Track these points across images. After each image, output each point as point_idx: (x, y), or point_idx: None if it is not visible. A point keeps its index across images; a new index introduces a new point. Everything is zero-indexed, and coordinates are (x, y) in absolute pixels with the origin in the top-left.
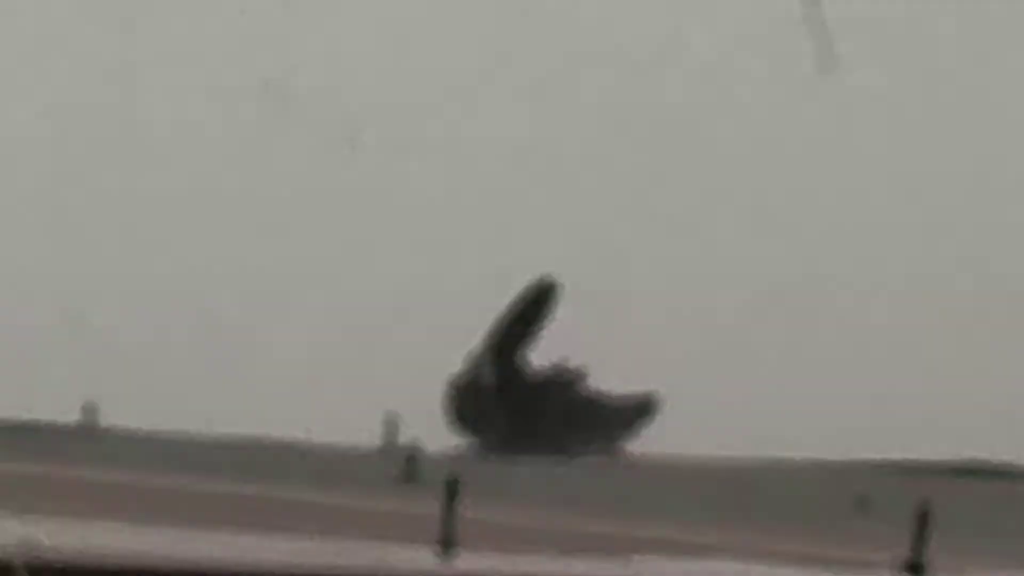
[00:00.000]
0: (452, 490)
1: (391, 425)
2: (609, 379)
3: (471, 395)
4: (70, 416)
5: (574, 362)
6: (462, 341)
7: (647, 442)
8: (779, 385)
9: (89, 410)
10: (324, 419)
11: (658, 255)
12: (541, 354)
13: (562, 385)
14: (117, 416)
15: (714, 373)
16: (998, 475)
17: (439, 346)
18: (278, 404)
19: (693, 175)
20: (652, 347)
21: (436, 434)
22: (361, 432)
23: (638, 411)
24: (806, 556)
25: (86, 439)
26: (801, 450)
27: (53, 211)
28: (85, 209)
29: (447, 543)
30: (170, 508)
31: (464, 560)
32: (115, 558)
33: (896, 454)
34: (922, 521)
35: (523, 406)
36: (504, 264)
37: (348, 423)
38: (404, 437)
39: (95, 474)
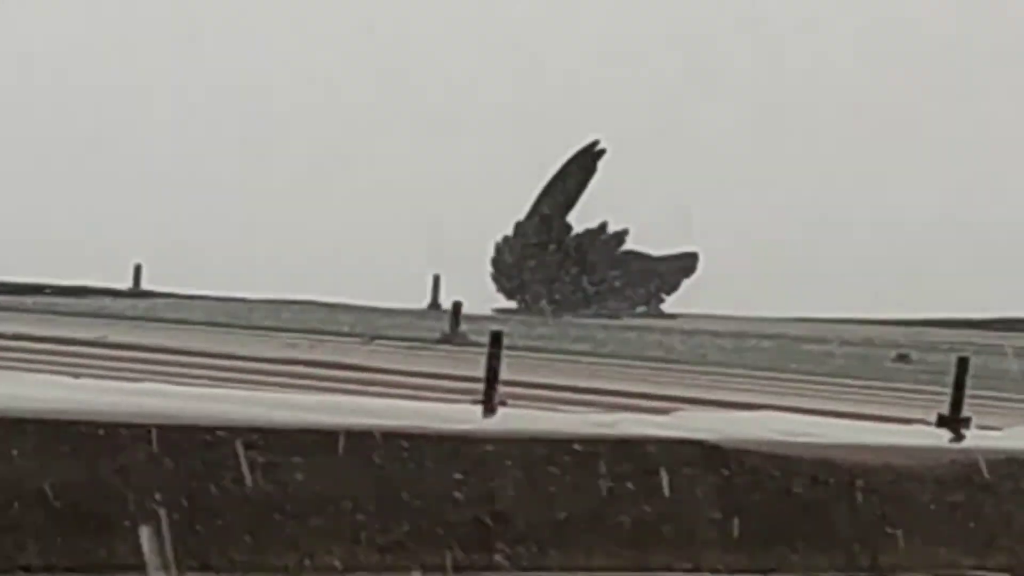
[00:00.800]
0: (496, 347)
1: (436, 287)
2: (648, 242)
3: (516, 256)
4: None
5: (615, 225)
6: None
7: (689, 300)
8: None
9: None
10: (373, 283)
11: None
12: (583, 217)
13: (605, 244)
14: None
15: (753, 235)
16: None
17: (487, 212)
18: (325, 270)
19: None
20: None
21: (481, 296)
22: (409, 295)
23: (681, 270)
24: (846, 410)
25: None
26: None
27: None
28: None
29: (491, 401)
30: (215, 368)
31: (508, 418)
32: (168, 418)
33: (936, 313)
34: (961, 374)
35: (567, 266)
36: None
37: (397, 286)
38: (449, 299)
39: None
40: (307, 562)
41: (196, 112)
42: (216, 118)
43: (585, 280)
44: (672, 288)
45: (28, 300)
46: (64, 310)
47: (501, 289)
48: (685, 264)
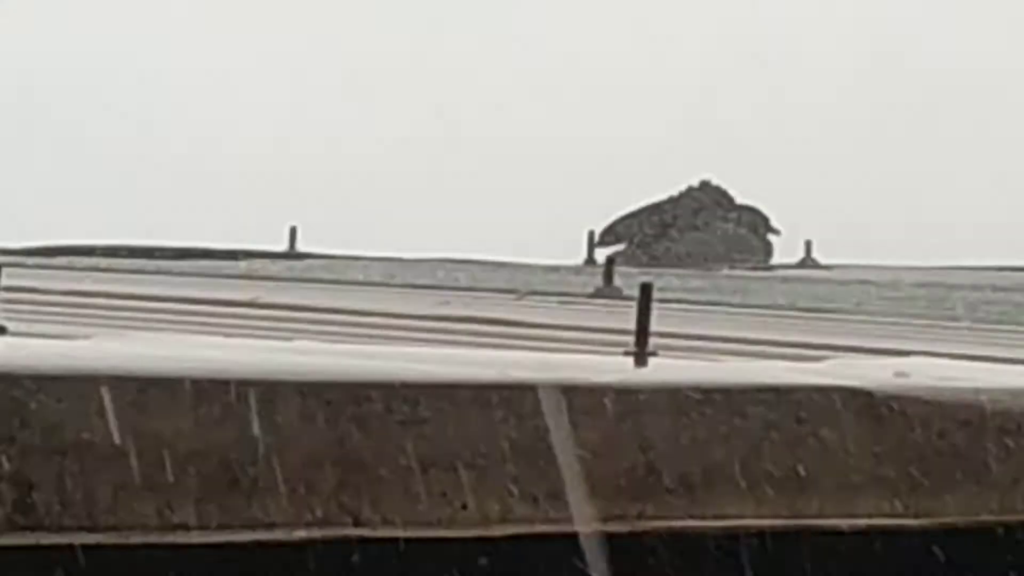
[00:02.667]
0: (646, 299)
1: (591, 244)
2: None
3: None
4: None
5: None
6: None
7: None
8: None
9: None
10: (528, 241)
11: None
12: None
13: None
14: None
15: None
16: None
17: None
18: (481, 229)
19: None
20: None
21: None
22: (564, 252)
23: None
24: (1001, 355)
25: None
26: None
27: None
28: None
29: (642, 351)
30: (369, 326)
31: (660, 368)
32: (321, 375)
33: None
34: None
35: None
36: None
37: (551, 245)
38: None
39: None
40: (460, 515)
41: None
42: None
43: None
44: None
45: (184, 264)
46: (219, 272)
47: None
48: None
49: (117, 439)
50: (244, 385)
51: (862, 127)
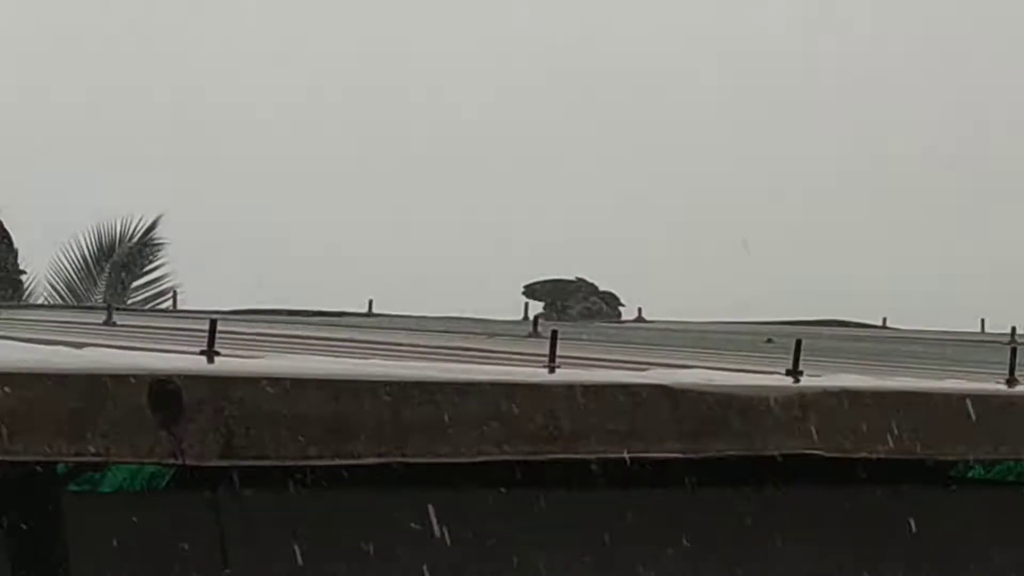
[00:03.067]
0: (554, 338)
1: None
2: None
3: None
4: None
5: None
6: None
7: None
8: None
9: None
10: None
11: None
12: None
13: None
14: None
15: None
16: None
17: None
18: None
19: None
20: None
21: None
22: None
23: None
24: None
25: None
26: None
27: None
28: None
29: (552, 366)
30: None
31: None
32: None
33: None
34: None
35: None
36: None
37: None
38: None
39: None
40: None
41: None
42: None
43: None
44: None
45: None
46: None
47: None
48: None
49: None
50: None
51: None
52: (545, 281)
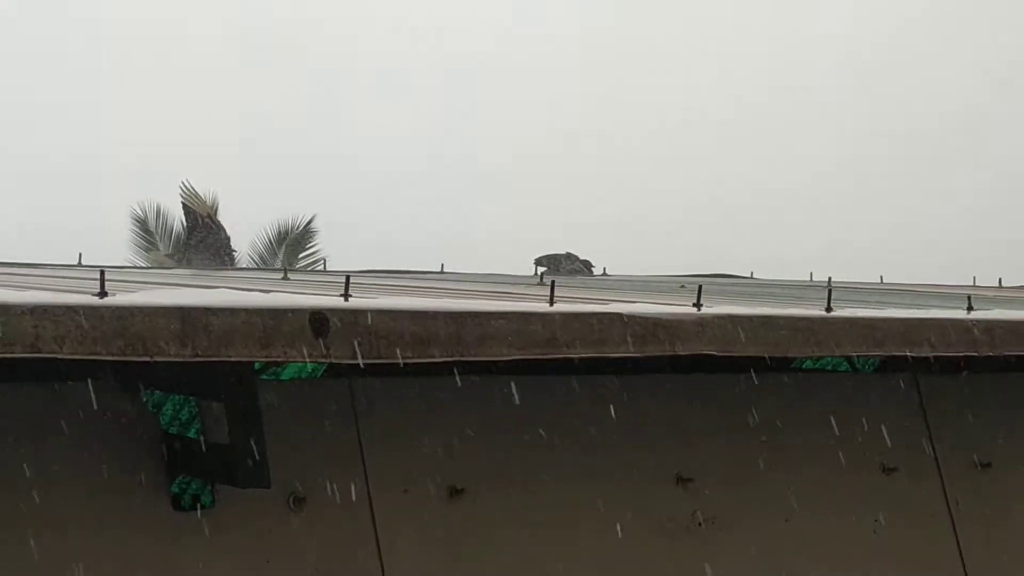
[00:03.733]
0: (552, 286)
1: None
2: None
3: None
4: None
5: None
6: None
7: None
8: None
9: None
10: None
11: None
12: None
13: None
14: None
15: None
16: None
17: None
18: None
19: None
20: None
21: None
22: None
23: None
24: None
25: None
26: None
27: None
28: None
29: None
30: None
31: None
32: None
33: None
34: None
35: None
36: None
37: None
38: None
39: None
40: None
41: None
42: None
43: None
44: None
45: None
46: None
47: None
48: None
49: None
50: None
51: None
52: (546, 256)
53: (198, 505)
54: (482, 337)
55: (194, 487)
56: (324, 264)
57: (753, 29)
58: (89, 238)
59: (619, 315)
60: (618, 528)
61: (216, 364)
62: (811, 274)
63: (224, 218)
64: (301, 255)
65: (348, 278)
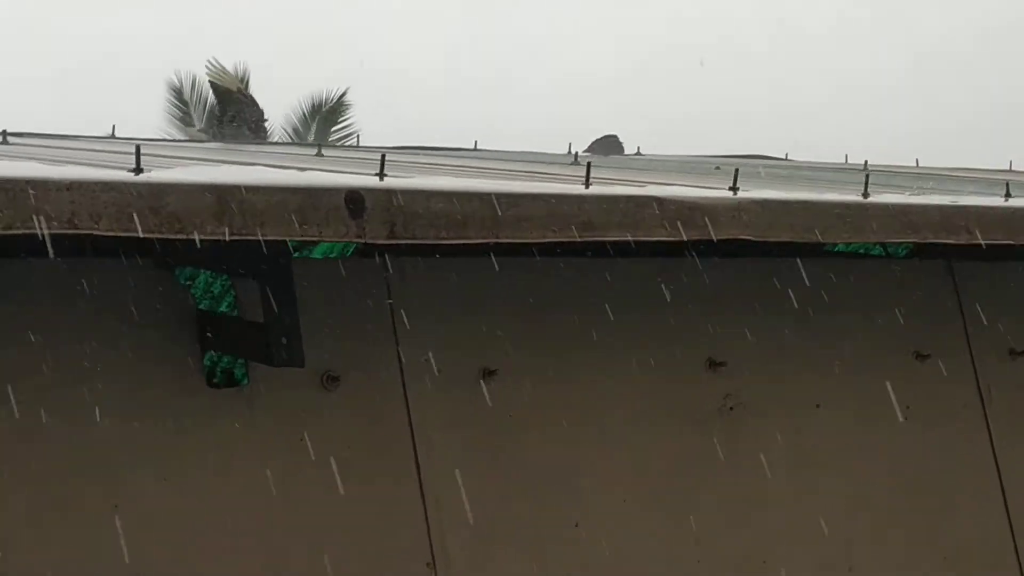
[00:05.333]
0: (588, 169)
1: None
2: None
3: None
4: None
5: None
6: None
7: None
8: None
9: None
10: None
11: None
12: None
13: None
14: None
15: None
16: None
17: None
18: None
19: None
20: None
21: None
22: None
23: None
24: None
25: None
26: None
27: None
28: None
29: (587, 182)
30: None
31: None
32: None
33: None
34: None
35: None
36: None
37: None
38: None
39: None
40: None
41: None
42: None
43: None
44: None
45: None
46: None
47: None
48: None
49: None
50: None
51: None
52: (597, 140)
53: (232, 382)
54: (518, 219)
55: (225, 362)
56: (357, 139)
57: None
58: (125, 107)
59: (655, 198)
60: (649, 412)
61: (251, 242)
62: (846, 156)
63: (257, 91)
64: (334, 129)
65: (384, 156)
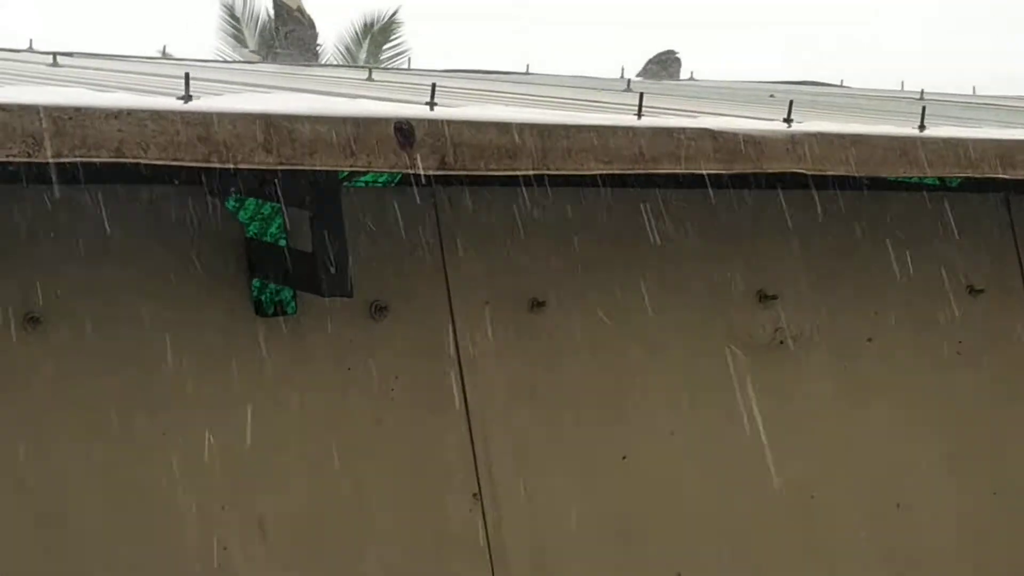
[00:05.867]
0: (641, 100)
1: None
2: None
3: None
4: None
5: None
6: None
7: None
8: None
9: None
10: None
11: None
12: None
13: None
14: None
15: None
16: None
17: None
18: None
19: None
20: None
21: None
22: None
23: None
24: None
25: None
26: None
27: None
28: None
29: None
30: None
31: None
32: None
33: None
34: None
35: None
36: None
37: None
38: None
39: None
40: None
41: None
42: None
43: None
44: None
45: None
46: None
47: None
48: None
49: None
50: None
51: None
52: (655, 57)
53: (281, 311)
54: (568, 150)
55: (273, 290)
56: (409, 61)
57: None
58: (174, 28)
59: (708, 131)
60: (698, 345)
61: (300, 172)
62: (902, 83)
63: (311, 5)
64: (386, 46)
65: (434, 85)
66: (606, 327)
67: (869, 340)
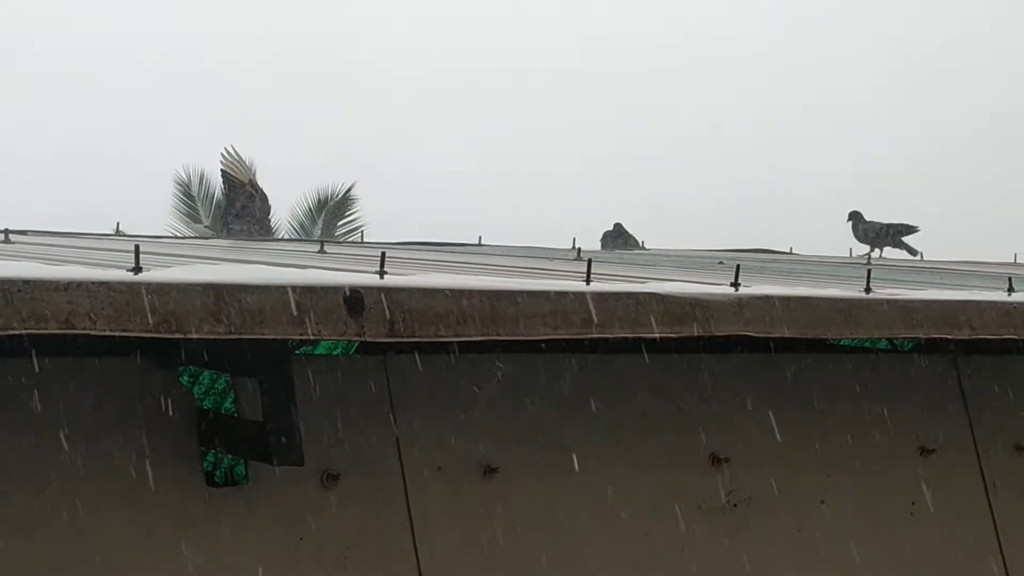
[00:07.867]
0: (589, 266)
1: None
2: None
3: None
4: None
5: None
6: None
7: None
8: None
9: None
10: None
11: None
12: None
13: None
14: None
15: None
16: None
17: None
18: None
19: None
20: None
21: None
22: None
23: None
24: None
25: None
26: None
27: None
28: None
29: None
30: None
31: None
32: None
33: None
34: None
35: None
36: None
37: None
38: None
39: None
40: None
41: None
42: None
43: None
44: None
45: None
46: None
47: None
48: None
49: None
50: None
51: None
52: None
53: (231, 480)
54: (517, 316)
55: (227, 462)
56: (362, 235)
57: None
58: (131, 207)
59: (656, 295)
60: (652, 509)
61: (250, 341)
62: (851, 250)
63: (263, 180)
64: (340, 223)
65: (384, 254)
66: (560, 493)
67: (822, 502)
